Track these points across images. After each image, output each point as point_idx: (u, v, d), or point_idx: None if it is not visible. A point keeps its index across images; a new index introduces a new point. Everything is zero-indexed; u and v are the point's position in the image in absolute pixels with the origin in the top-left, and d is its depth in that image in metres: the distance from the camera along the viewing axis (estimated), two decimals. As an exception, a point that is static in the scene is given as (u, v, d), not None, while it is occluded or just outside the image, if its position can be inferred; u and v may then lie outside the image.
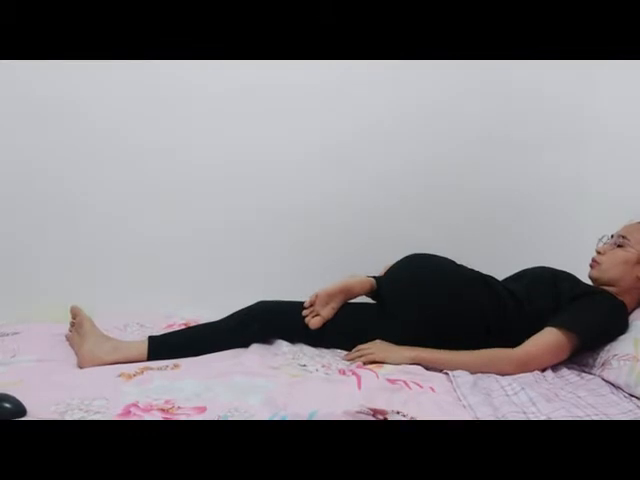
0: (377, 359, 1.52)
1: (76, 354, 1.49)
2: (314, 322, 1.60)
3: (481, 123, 2.17)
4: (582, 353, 1.58)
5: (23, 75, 1.91)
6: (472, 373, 1.47)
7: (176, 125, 2.03)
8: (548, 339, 1.53)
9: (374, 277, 1.71)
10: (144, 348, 1.51)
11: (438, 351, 1.53)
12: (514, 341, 1.58)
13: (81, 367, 1.44)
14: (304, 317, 1.62)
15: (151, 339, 1.54)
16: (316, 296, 1.61)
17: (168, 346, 1.53)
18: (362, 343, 1.62)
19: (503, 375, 1.47)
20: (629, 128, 2.14)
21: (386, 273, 1.73)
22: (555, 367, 1.60)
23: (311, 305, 1.62)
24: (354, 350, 1.59)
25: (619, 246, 1.68)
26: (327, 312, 1.61)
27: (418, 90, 2.13)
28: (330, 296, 1.62)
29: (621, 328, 1.58)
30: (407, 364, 1.50)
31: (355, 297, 1.68)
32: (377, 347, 1.57)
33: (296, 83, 2.07)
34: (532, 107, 2.18)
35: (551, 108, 2.19)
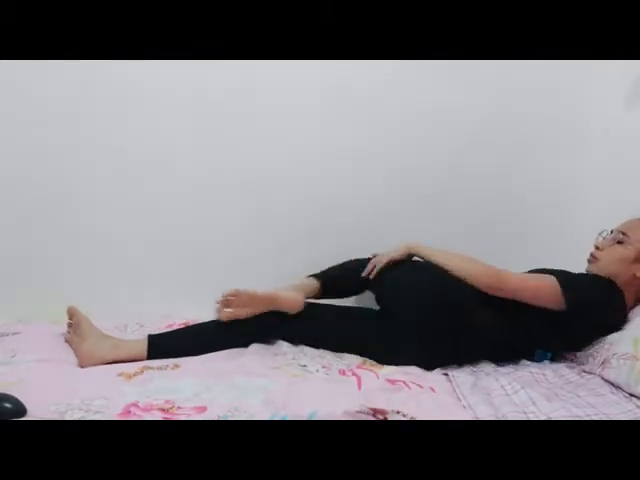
0: (383, 260, 1.74)
1: (75, 354, 1.49)
2: (224, 315, 1.55)
3: (478, 123, 2.16)
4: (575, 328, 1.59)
5: (24, 75, 1.90)
6: (448, 269, 1.61)
7: (176, 126, 2.03)
8: (542, 277, 1.59)
9: (323, 275, 1.80)
10: (144, 347, 1.51)
11: (431, 248, 1.71)
12: (515, 345, 1.59)
13: (81, 366, 1.44)
14: (305, 318, 1.62)
15: (151, 338, 1.54)
16: (237, 292, 1.55)
17: (168, 345, 1.53)
18: (363, 347, 1.61)
19: (474, 286, 1.57)
20: (628, 128, 2.14)
21: (387, 278, 1.73)
22: (555, 366, 1.60)
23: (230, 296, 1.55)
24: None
25: (618, 242, 1.68)
26: (241, 313, 1.56)
27: (416, 91, 2.13)
28: (252, 300, 1.57)
29: (616, 314, 1.60)
30: (403, 253, 1.74)
31: (280, 309, 1.62)
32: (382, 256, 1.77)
33: (297, 84, 2.07)
34: (531, 106, 2.18)
35: (550, 108, 2.19)
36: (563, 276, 1.58)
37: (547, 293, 1.55)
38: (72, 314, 1.59)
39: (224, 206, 2.09)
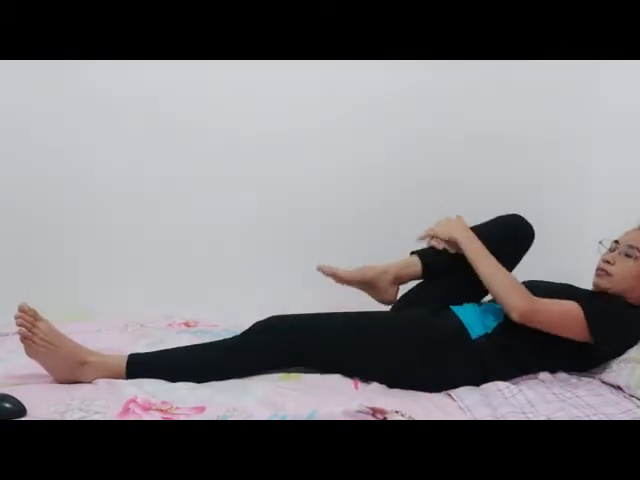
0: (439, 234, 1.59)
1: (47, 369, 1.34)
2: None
3: (482, 120, 2.17)
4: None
5: (31, 75, 1.91)
6: (486, 280, 1.50)
7: (177, 126, 2.03)
8: (569, 309, 1.48)
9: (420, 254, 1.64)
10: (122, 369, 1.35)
11: (480, 247, 1.54)
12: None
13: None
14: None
15: (130, 367, 1.35)
16: (334, 274, 1.59)
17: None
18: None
19: (506, 310, 1.46)
20: (634, 127, 2.12)
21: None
22: (554, 371, 1.57)
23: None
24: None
25: (627, 255, 1.60)
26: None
27: (420, 88, 2.13)
28: (344, 282, 1.61)
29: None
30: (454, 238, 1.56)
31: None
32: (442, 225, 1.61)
33: (295, 80, 2.07)
34: (535, 105, 2.18)
35: (555, 107, 2.19)
36: (588, 305, 1.48)
37: (573, 324, 1.47)
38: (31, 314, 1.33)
39: (224, 207, 2.09)
